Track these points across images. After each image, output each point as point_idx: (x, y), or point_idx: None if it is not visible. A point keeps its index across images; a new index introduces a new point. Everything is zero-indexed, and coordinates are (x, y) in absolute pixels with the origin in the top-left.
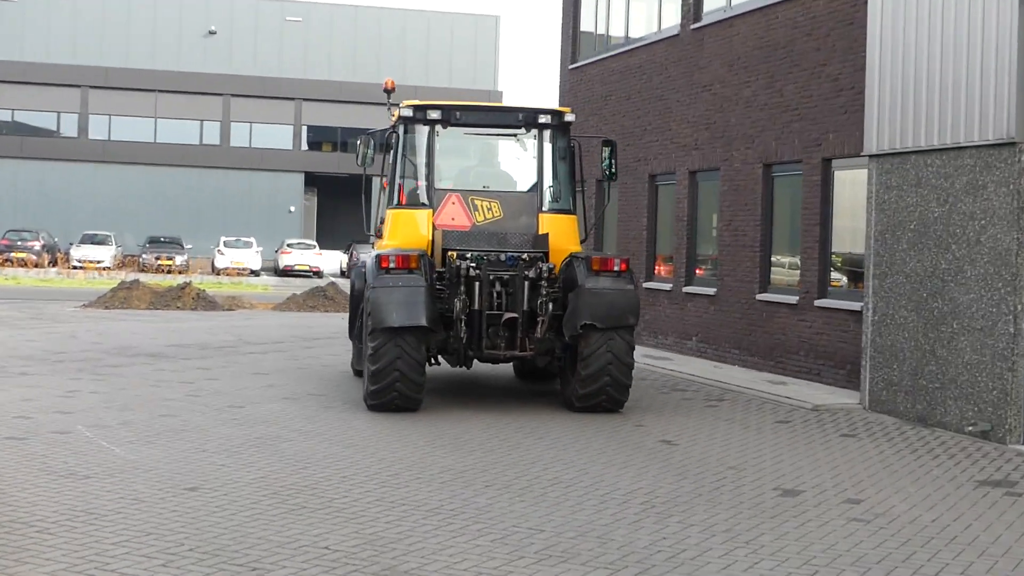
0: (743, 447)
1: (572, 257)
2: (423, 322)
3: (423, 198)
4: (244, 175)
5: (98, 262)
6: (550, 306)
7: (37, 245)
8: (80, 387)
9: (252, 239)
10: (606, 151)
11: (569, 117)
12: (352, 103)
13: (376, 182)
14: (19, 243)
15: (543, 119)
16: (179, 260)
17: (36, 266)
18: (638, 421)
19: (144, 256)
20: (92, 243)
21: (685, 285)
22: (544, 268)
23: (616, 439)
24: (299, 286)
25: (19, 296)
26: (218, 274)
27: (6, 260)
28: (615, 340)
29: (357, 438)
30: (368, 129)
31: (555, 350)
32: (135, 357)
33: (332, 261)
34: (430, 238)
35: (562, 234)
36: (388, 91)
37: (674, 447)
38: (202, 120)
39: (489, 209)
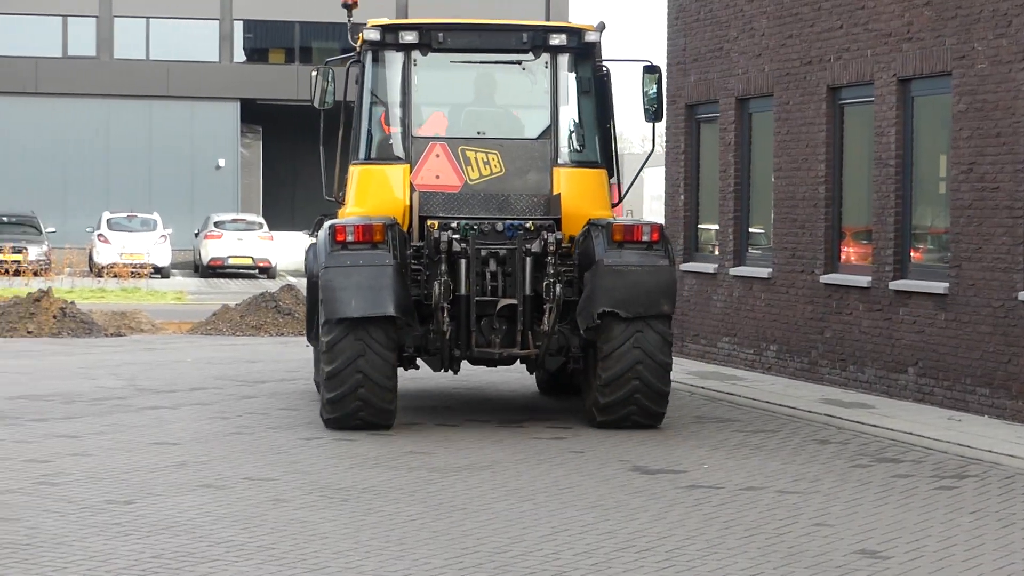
0: None
1: (591, 225)
2: (390, 311)
3: (397, 150)
4: (140, 108)
5: None
6: (558, 289)
7: None
8: None
9: (155, 215)
10: (648, 80)
11: (592, 36)
12: None
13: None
14: None
15: (556, 40)
16: (34, 253)
17: None
18: (819, 517)
19: None
20: None
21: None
22: (551, 240)
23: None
24: (235, 292)
25: None
26: (99, 275)
27: None
28: (645, 333)
29: (325, 552)
30: (339, 53)
31: (569, 348)
32: None
33: (290, 249)
34: (406, 202)
35: (585, 195)
36: (348, 6)
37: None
38: (65, 16)
39: (486, 163)
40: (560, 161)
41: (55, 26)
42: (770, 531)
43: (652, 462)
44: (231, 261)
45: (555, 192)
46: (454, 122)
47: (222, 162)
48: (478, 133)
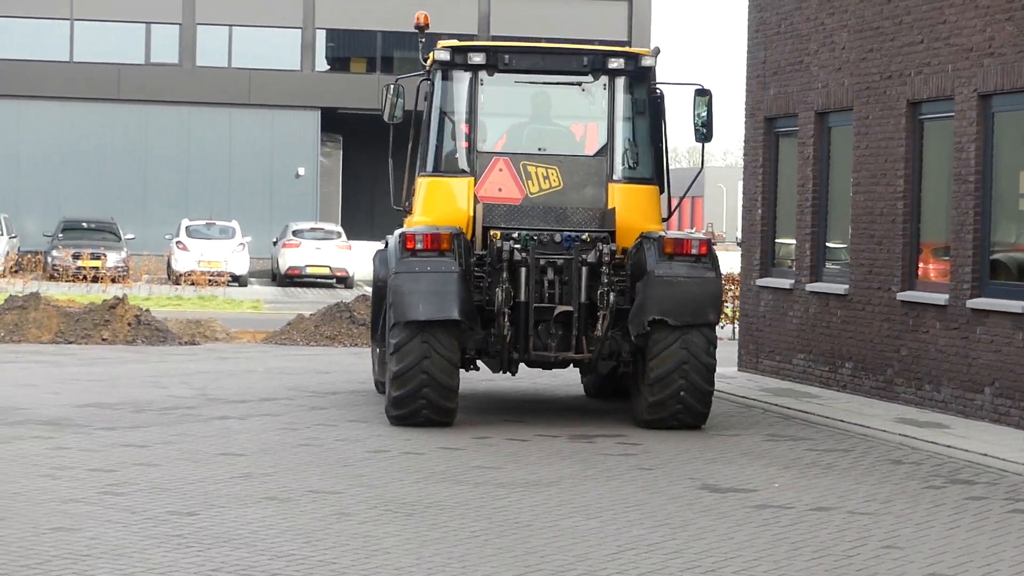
0: None
1: (643, 238)
2: (455, 315)
3: (463, 163)
4: (221, 115)
5: None
6: (612, 297)
7: None
8: None
9: (234, 223)
10: (699, 103)
11: (648, 61)
12: None
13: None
14: None
15: (615, 63)
16: (112, 260)
17: None
18: (889, 539)
19: (55, 254)
20: None
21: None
22: (606, 251)
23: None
24: (311, 302)
25: None
26: (177, 282)
27: None
28: (691, 335)
29: (387, 567)
30: (420, 62)
31: (620, 353)
32: (20, 427)
33: (368, 259)
34: (470, 213)
35: (638, 209)
36: (420, 28)
37: None
38: (149, 23)
39: (546, 177)
40: (615, 177)
41: (138, 33)
42: (839, 553)
43: (723, 480)
44: (308, 270)
45: (610, 206)
46: (517, 138)
47: (302, 171)
48: (539, 149)
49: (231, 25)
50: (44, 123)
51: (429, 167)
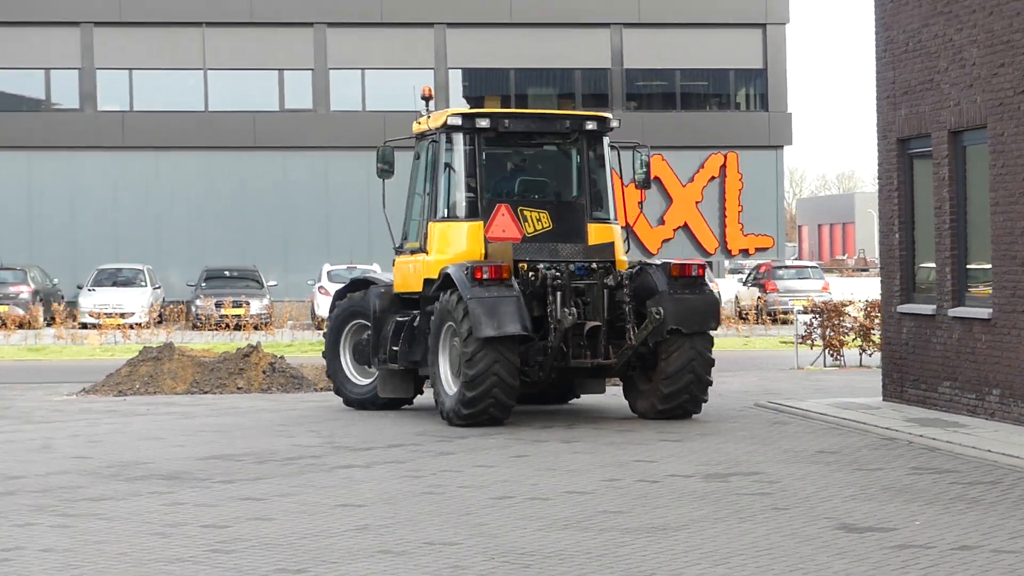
0: None
1: (643, 264)
2: (521, 330)
3: (472, 210)
4: (357, 159)
5: (123, 316)
6: (630, 313)
7: (25, 292)
8: (28, 540)
9: (375, 267)
10: (637, 156)
11: (614, 123)
12: (544, 25)
13: (393, 192)
14: None
15: (590, 125)
16: (255, 307)
17: (23, 325)
18: None
19: (198, 303)
20: (114, 284)
21: None
22: (624, 276)
23: None
24: None
25: None
26: (320, 327)
27: None
28: (697, 340)
29: None
30: (555, 99)
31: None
32: (140, 482)
33: None
34: (482, 251)
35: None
36: (426, 99)
37: None
38: (282, 70)
39: (538, 220)
40: (591, 218)
41: (272, 80)
42: None
43: (861, 519)
44: None
45: (590, 243)
46: (511, 188)
47: None
48: (532, 196)
49: (363, 68)
50: (183, 173)
51: (442, 213)
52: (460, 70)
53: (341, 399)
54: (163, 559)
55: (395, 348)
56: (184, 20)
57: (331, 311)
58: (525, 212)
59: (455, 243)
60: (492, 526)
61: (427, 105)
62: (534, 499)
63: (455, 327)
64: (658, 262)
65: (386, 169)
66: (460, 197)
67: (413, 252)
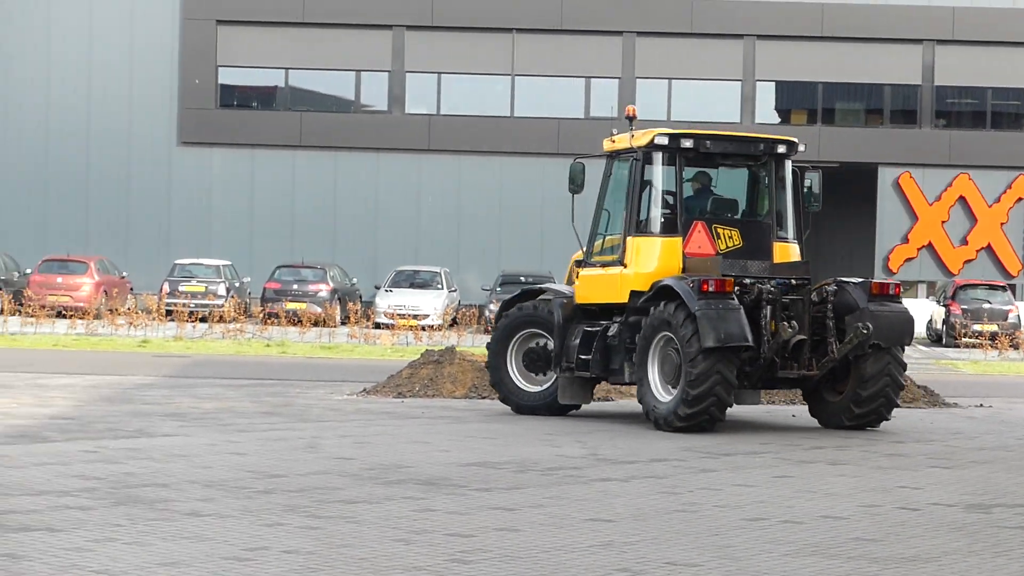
0: None
1: (839, 282)
2: (749, 341)
3: (672, 226)
4: None
5: (417, 317)
6: (832, 327)
7: (324, 290)
8: (273, 540)
9: None
10: (812, 178)
11: (801, 147)
12: (855, 40)
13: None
14: (296, 287)
15: (780, 149)
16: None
17: (319, 323)
18: None
19: (491, 307)
20: (410, 286)
21: None
22: (829, 292)
23: None
24: None
25: (276, 374)
26: None
27: (270, 316)
28: (892, 361)
29: None
30: (862, 114)
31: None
32: (396, 486)
33: None
34: (680, 266)
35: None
36: (630, 119)
37: None
38: (588, 77)
39: (730, 237)
40: (777, 237)
41: (578, 87)
42: None
43: None
44: None
45: (776, 260)
46: (706, 206)
47: None
48: (725, 215)
49: (670, 79)
50: (484, 178)
51: (645, 228)
52: (769, 83)
53: (511, 407)
54: (401, 567)
55: (584, 357)
56: (494, 26)
57: (498, 320)
58: (718, 229)
59: (655, 257)
60: (738, 548)
61: (630, 124)
62: (787, 522)
63: (673, 336)
64: (855, 280)
65: (579, 186)
66: (661, 214)
67: (604, 265)
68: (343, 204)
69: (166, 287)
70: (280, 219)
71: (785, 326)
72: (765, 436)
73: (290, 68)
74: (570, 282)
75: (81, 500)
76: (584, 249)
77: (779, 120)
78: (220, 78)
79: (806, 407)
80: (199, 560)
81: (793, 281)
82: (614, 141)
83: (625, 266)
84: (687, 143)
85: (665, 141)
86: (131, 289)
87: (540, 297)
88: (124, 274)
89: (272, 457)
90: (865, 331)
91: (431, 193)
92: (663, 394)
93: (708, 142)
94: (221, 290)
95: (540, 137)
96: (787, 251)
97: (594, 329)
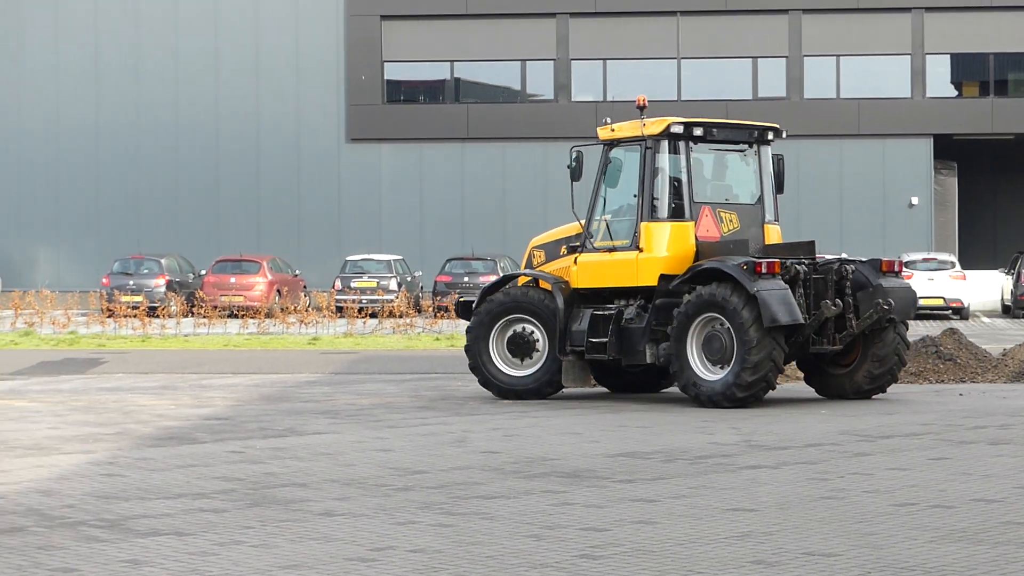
0: None
1: (840, 260)
2: (802, 319)
3: (685, 211)
4: (830, 147)
5: None
6: (851, 303)
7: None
8: (402, 539)
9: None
10: (779, 163)
11: (784, 134)
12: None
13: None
14: (467, 280)
15: (770, 135)
16: None
17: None
18: None
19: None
20: None
21: None
22: (849, 270)
23: None
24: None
25: (443, 367)
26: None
27: (440, 310)
28: (900, 327)
29: None
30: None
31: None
32: (538, 479)
33: (983, 289)
34: (693, 249)
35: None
36: (641, 108)
37: None
38: (756, 58)
39: (731, 221)
40: (766, 219)
41: (745, 68)
42: None
43: None
44: (921, 302)
45: (767, 242)
46: (709, 192)
47: (915, 200)
48: (724, 199)
49: (838, 55)
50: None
51: (660, 214)
52: (939, 55)
53: (492, 391)
54: (527, 564)
55: (595, 340)
56: (658, 9)
57: (478, 305)
58: (722, 213)
59: (671, 241)
60: (881, 536)
61: (641, 114)
62: (937, 507)
63: (721, 316)
64: (860, 259)
65: (579, 172)
66: (675, 199)
67: (611, 250)
68: (512, 195)
69: (338, 283)
70: (449, 212)
71: (828, 304)
72: (927, 416)
73: (455, 60)
74: (528, 266)
75: (216, 502)
76: (585, 234)
77: (954, 93)
78: (386, 73)
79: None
80: (322, 562)
81: (806, 262)
82: (614, 130)
83: (641, 250)
84: (698, 131)
85: (680, 130)
86: (304, 287)
87: (523, 283)
88: (297, 272)
89: (417, 453)
90: (887, 307)
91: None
92: (707, 372)
93: (714, 130)
94: (392, 285)
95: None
96: (775, 233)
97: (605, 312)
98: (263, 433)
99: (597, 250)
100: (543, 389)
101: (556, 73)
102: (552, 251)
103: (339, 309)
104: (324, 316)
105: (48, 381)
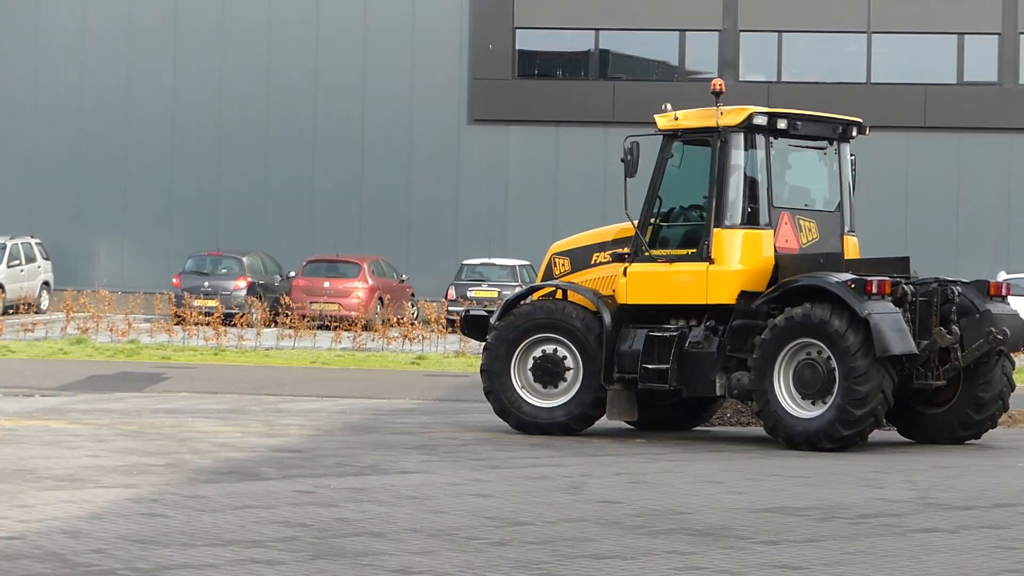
0: None
1: (939, 281)
2: (916, 350)
3: (764, 217)
4: None
5: None
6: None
7: None
8: None
9: None
10: (854, 163)
11: (867, 129)
12: None
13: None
14: None
15: (854, 132)
16: None
17: None
18: None
19: None
20: None
21: None
22: (955, 292)
23: None
24: None
25: None
26: None
27: None
28: (1007, 363)
29: None
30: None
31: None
32: (662, 537)
33: None
34: (773, 261)
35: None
36: (717, 94)
37: None
38: (960, 34)
39: (809, 230)
40: (846, 230)
41: (949, 46)
42: None
43: None
44: None
45: (847, 256)
46: (788, 196)
47: None
48: (804, 205)
49: None
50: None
51: (736, 220)
52: None
53: (509, 422)
54: None
55: (653, 367)
56: None
57: (500, 319)
58: (801, 221)
59: (748, 252)
60: None
61: (717, 100)
62: None
63: (819, 343)
64: (963, 280)
65: (634, 167)
66: (751, 203)
67: (672, 260)
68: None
69: (451, 292)
70: (589, 208)
71: (942, 331)
72: None
73: (601, 29)
74: (548, 277)
75: (273, 552)
76: (638, 240)
77: None
78: (518, 43)
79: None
80: None
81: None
82: (677, 118)
83: (712, 262)
84: (782, 123)
85: (763, 121)
86: (411, 295)
87: (552, 297)
88: (404, 277)
89: (522, 500)
90: (1001, 337)
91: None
92: (797, 408)
93: (799, 123)
94: None
95: (903, 107)
96: (853, 245)
97: (665, 334)
98: (341, 470)
99: (654, 260)
100: (572, 424)
101: (721, 46)
102: (581, 259)
103: (451, 323)
104: (433, 331)
105: (97, 399)
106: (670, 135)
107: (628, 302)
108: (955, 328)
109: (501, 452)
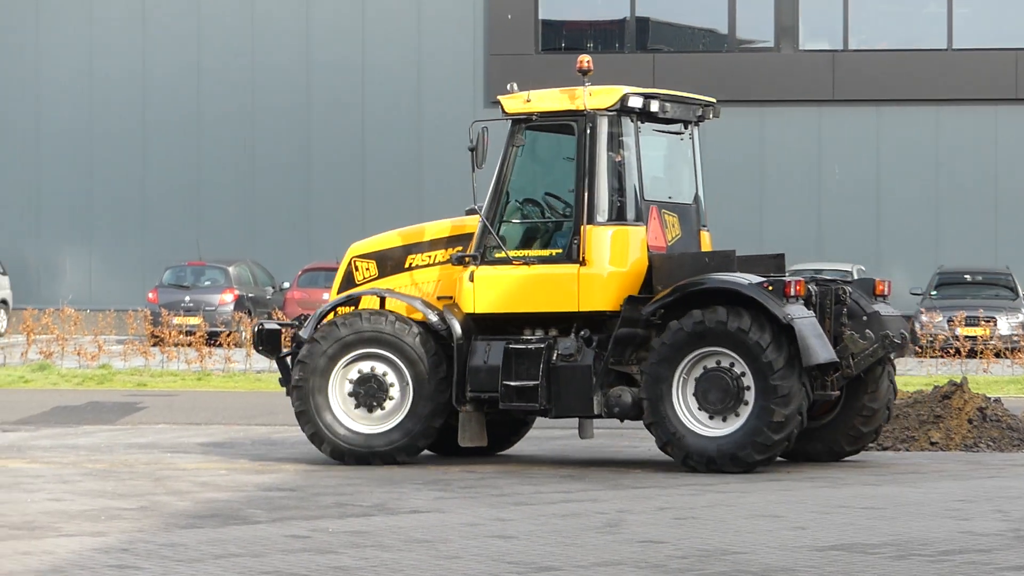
0: None
1: (820, 279)
2: (837, 358)
3: (633, 213)
4: None
5: None
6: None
7: None
8: None
9: None
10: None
11: (721, 113)
12: None
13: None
14: None
15: (711, 115)
16: (1004, 326)
17: None
18: None
19: (923, 318)
20: None
21: None
22: (847, 292)
23: None
24: None
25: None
26: None
27: None
28: (890, 370)
29: None
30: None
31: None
32: None
33: None
34: (647, 262)
35: None
36: (584, 72)
37: None
38: None
39: (673, 226)
40: (703, 224)
41: None
42: None
43: None
44: None
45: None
46: (653, 187)
47: None
48: (668, 198)
49: None
50: (911, 134)
51: (605, 216)
52: None
53: (323, 450)
54: None
55: (515, 384)
56: None
57: (315, 334)
58: (666, 216)
59: (625, 252)
60: None
61: (584, 78)
62: None
63: (730, 354)
64: (858, 279)
65: (482, 153)
66: (625, 196)
67: (531, 263)
68: (717, 174)
69: None
70: None
71: (855, 336)
72: None
73: None
74: (348, 283)
75: None
76: (486, 238)
77: None
78: (541, 11)
79: None
80: None
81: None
82: (529, 100)
83: (584, 263)
84: (654, 106)
85: (639, 103)
86: None
87: (367, 308)
88: None
89: (549, 541)
90: (899, 341)
91: (838, 159)
92: (700, 425)
93: (668, 105)
94: None
95: (989, 76)
96: (707, 242)
97: (528, 347)
98: (341, 511)
99: (509, 261)
100: (397, 455)
101: (778, 12)
102: (391, 262)
103: None
104: None
105: (62, 434)
106: (520, 119)
107: (478, 311)
108: (868, 333)
109: (525, 486)
